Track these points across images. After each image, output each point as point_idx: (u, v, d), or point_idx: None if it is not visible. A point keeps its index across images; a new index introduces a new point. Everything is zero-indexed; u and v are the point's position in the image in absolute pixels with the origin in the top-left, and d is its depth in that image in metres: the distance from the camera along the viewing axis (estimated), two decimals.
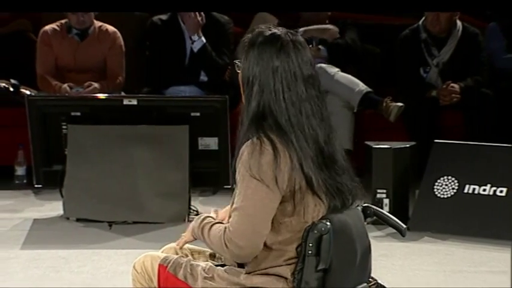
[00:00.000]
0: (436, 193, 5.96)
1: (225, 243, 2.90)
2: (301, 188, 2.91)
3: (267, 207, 2.89)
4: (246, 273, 2.98)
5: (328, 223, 2.90)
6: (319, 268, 2.89)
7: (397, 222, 3.23)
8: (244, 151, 2.92)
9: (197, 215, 5.98)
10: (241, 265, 3.00)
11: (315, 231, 2.90)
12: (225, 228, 2.92)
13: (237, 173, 2.95)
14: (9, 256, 5.30)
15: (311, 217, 2.93)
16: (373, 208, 3.18)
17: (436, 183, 5.97)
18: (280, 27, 3.04)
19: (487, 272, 5.14)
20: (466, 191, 5.91)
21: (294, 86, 2.97)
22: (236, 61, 3.04)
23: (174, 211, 5.89)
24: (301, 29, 7.07)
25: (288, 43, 2.98)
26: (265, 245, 2.93)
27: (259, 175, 2.88)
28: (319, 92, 3.04)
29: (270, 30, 3.02)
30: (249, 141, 2.92)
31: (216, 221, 3.04)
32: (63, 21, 7.09)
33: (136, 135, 5.93)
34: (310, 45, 7.17)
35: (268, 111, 2.94)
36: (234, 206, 2.92)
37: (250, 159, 2.89)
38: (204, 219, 3.06)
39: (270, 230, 2.91)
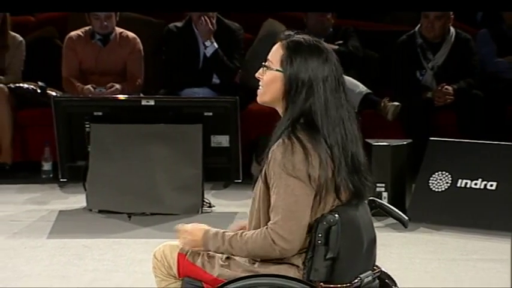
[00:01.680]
0: (431, 187, 5.95)
1: (273, 241, 2.84)
2: (326, 184, 2.88)
3: (306, 201, 2.86)
4: (261, 261, 2.94)
5: (336, 215, 2.88)
6: (327, 257, 2.87)
7: (400, 215, 3.23)
8: (276, 153, 2.87)
9: (210, 207, 6.03)
10: None
11: (324, 223, 2.87)
12: (266, 228, 2.86)
13: (270, 175, 2.88)
14: (37, 245, 5.30)
15: (327, 211, 2.91)
16: (378, 201, 3.17)
17: (431, 178, 5.96)
18: (306, 35, 3.01)
19: (478, 260, 5.13)
20: (458, 185, 5.90)
21: (338, 93, 2.95)
22: (266, 63, 3.00)
23: (189, 203, 5.88)
24: None
25: (330, 54, 2.97)
26: None
27: (295, 173, 2.84)
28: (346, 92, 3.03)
29: (307, 39, 2.98)
30: (279, 142, 2.88)
31: (240, 231, 2.97)
32: (87, 28, 7.09)
33: (153, 133, 5.93)
34: None
35: (308, 113, 2.90)
36: (275, 204, 2.86)
37: (283, 159, 2.85)
38: (222, 234, 2.96)
39: None
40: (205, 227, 3.04)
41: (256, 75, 3.05)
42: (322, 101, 2.91)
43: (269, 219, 2.89)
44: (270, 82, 2.99)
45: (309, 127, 2.89)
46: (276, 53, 2.99)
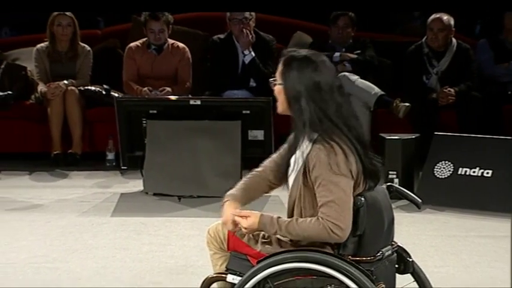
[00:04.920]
0: (436, 174, 5.91)
1: (331, 230, 2.79)
2: (358, 173, 2.87)
3: (351, 193, 2.84)
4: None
5: (362, 198, 2.86)
6: (355, 234, 2.86)
7: (414, 198, 3.20)
8: (321, 156, 2.83)
9: None
10: None
11: (353, 205, 2.85)
12: (322, 219, 2.80)
13: (314, 176, 2.84)
14: (102, 222, 5.34)
15: (355, 195, 2.89)
16: (395, 186, 3.14)
17: (436, 167, 5.93)
18: (305, 50, 2.99)
19: (475, 236, 5.09)
20: (459, 172, 5.86)
21: (334, 94, 2.91)
22: (271, 80, 3.00)
23: (229, 187, 5.84)
24: (337, 53, 7.21)
25: (320, 63, 2.92)
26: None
27: (340, 171, 2.81)
28: (347, 97, 2.99)
29: (300, 52, 2.96)
30: (317, 147, 2.84)
31: (295, 217, 2.89)
32: (144, 39, 7.11)
33: (200, 129, 5.93)
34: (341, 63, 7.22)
35: (322, 117, 2.87)
36: (326, 199, 2.80)
37: (329, 161, 2.82)
38: (277, 219, 2.89)
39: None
40: (257, 212, 2.98)
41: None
42: (322, 104, 2.87)
43: (313, 212, 2.86)
44: (277, 95, 2.99)
45: (333, 126, 2.87)
46: (278, 69, 2.99)
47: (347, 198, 2.82)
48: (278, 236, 2.95)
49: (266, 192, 3.19)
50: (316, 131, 2.88)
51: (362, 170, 2.88)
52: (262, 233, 2.98)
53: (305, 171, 2.87)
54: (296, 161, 2.94)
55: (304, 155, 2.89)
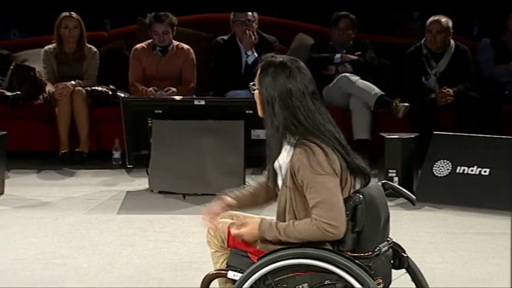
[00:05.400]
0: (435, 173, 5.90)
1: (325, 230, 2.79)
2: (342, 170, 2.87)
3: (338, 190, 2.84)
4: None
5: (360, 196, 2.86)
6: (354, 230, 2.86)
7: (409, 195, 3.19)
8: (302, 160, 2.83)
9: None
10: None
11: (351, 202, 2.85)
12: (315, 220, 2.80)
13: (299, 179, 2.84)
14: (109, 219, 5.34)
15: (347, 192, 2.89)
16: (390, 184, 3.14)
17: (435, 165, 5.92)
18: (283, 56, 2.99)
19: (474, 233, 5.09)
20: (457, 171, 5.85)
21: (305, 101, 2.91)
22: (250, 84, 3.00)
23: (233, 185, 5.77)
24: (338, 55, 7.20)
25: (294, 69, 2.93)
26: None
27: (324, 170, 2.81)
28: (321, 103, 2.97)
29: (277, 59, 2.96)
30: (298, 151, 2.84)
31: (291, 221, 2.89)
32: (149, 41, 7.11)
33: (204, 128, 5.93)
34: (342, 64, 7.20)
35: (295, 122, 2.88)
36: (316, 201, 2.80)
37: (310, 163, 2.82)
38: (276, 225, 2.89)
39: None
40: (257, 219, 3.00)
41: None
42: (294, 109, 2.88)
43: (306, 214, 2.85)
44: (256, 99, 3.00)
45: (307, 131, 2.87)
46: (257, 74, 2.99)
47: (335, 196, 2.82)
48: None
49: (271, 199, 3.16)
50: (293, 134, 2.89)
51: (346, 166, 2.87)
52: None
53: (292, 175, 2.87)
54: (280, 167, 2.94)
55: (287, 160, 2.89)
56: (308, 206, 2.85)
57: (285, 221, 2.90)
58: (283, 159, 2.92)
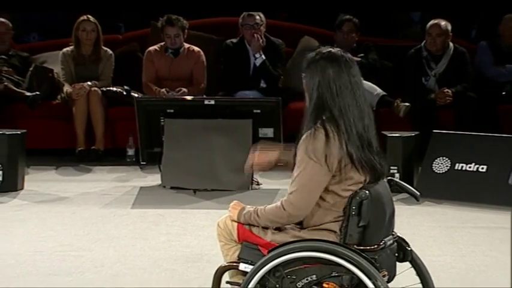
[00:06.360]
0: (434, 169, 5.90)
1: (283, 207, 2.84)
2: (346, 165, 2.85)
3: (318, 180, 2.83)
4: (305, 228, 2.93)
5: (367, 191, 2.85)
6: (360, 225, 2.85)
7: (413, 191, 3.18)
8: (304, 139, 2.85)
9: (258, 184, 6.03)
10: (299, 224, 2.95)
11: (357, 198, 2.84)
12: (282, 200, 2.86)
13: (297, 154, 2.88)
14: (123, 213, 5.34)
15: (353, 187, 2.88)
16: (396, 180, 3.13)
17: (434, 162, 5.91)
18: (335, 48, 2.99)
19: (471, 227, 5.08)
20: (456, 168, 5.85)
21: (345, 89, 2.89)
22: (303, 74, 2.99)
23: (241, 182, 5.88)
24: None
25: (338, 58, 2.93)
26: (320, 206, 2.88)
27: (314, 156, 2.81)
28: (360, 98, 2.94)
29: (327, 49, 2.97)
30: (308, 132, 2.86)
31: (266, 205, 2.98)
32: (162, 43, 7.11)
33: (214, 127, 5.93)
34: None
35: (326, 106, 2.88)
36: (294, 178, 2.85)
37: (307, 145, 2.83)
38: (254, 209, 2.99)
39: (324, 195, 2.86)
40: (243, 206, 3.07)
41: None
42: (330, 94, 2.87)
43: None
44: (305, 89, 2.98)
45: (331, 117, 2.86)
46: (305, 65, 3.00)
47: (311, 183, 2.82)
48: (287, 226, 2.95)
49: None
50: (316, 119, 2.88)
51: (356, 161, 2.85)
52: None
53: (296, 154, 2.90)
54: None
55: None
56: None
57: None
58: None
